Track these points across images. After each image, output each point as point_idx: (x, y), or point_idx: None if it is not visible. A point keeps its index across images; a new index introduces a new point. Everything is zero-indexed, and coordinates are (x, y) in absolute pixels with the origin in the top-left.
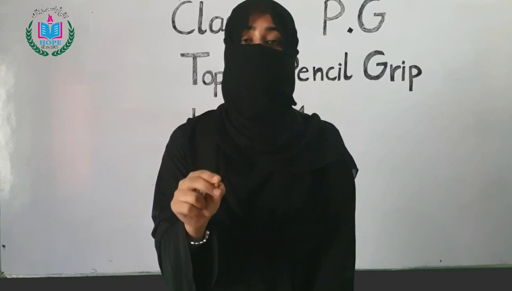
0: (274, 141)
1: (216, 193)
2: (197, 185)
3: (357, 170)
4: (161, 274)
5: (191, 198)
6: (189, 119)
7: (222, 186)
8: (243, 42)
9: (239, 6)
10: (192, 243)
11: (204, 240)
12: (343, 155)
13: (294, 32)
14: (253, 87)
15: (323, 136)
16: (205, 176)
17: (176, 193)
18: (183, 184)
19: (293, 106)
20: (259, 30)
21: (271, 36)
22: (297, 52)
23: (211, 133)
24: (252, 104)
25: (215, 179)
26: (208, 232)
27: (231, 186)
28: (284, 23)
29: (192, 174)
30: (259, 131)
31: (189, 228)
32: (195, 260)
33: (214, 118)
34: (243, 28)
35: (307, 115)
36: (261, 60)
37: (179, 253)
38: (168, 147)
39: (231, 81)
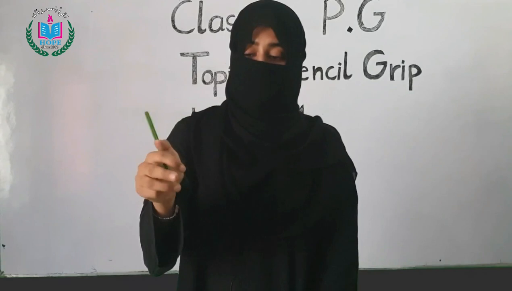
0: (278, 138)
1: (172, 178)
2: (155, 175)
3: (356, 174)
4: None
5: (160, 186)
6: (194, 113)
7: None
8: (247, 53)
9: (244, 14)
10: (165, 218)
11: (173, 216)
12: (344, 158)
13: (298, 44)
14: (256, 101)
15: (326, 139)
16: (168, 161)
17: (141, 178)
18: (145, 171)
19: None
20: (262, 46)
21: (274, 51)
22: (304, 55)
23: (215, 127)
24: (255, 111)
25: (182, 167)
26: (177, 207)
27: (234, 179)
28: (287, 36)
29: (153, 158)
30: (264, 129)
31: (156, 204)
32: (167, 232)
33: (219, 113)
34: (246, 42)
35: (310, 117)
36: (263, 78)
37: (148, 227)
38: (173, 134)
39: (235, 88)
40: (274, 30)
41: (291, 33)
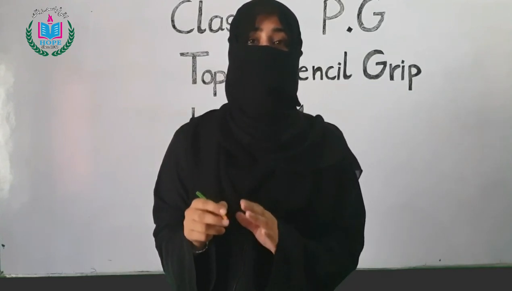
0: (277, 139)
1: (225, 223)
2: (207, 221)
3: (360, 171)
4: (160, 273)
5: (206, 231)
6: (192, 119)
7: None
8: (250, 43)
9: (246, 6)
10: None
11: (204, 250)
12: (346, 157)
13: (298, 33)
14: (259, 88)
15: (326, 138)
16: (210, 208)
17: (190, 224)
18: (194, 216)
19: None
20: (265, 32)
21: (278, 37)
22: (301, 53)
23: (213, 131)
24: (257, 105)
25: (222, 211)
26: (207, 242)
27: (231, 182)
28: (290, 24)
29: (197, 205)
30: (262, 130)
31: (196, 242)
32: (196, 266)
33: (216, 117)
34: (250, 29)
35: (310, 116)
36: (268, 62)
37: (183, 263)
38: (171, 150)
39: (237, 81)
40: (278, 16)
41: (292, 22)
